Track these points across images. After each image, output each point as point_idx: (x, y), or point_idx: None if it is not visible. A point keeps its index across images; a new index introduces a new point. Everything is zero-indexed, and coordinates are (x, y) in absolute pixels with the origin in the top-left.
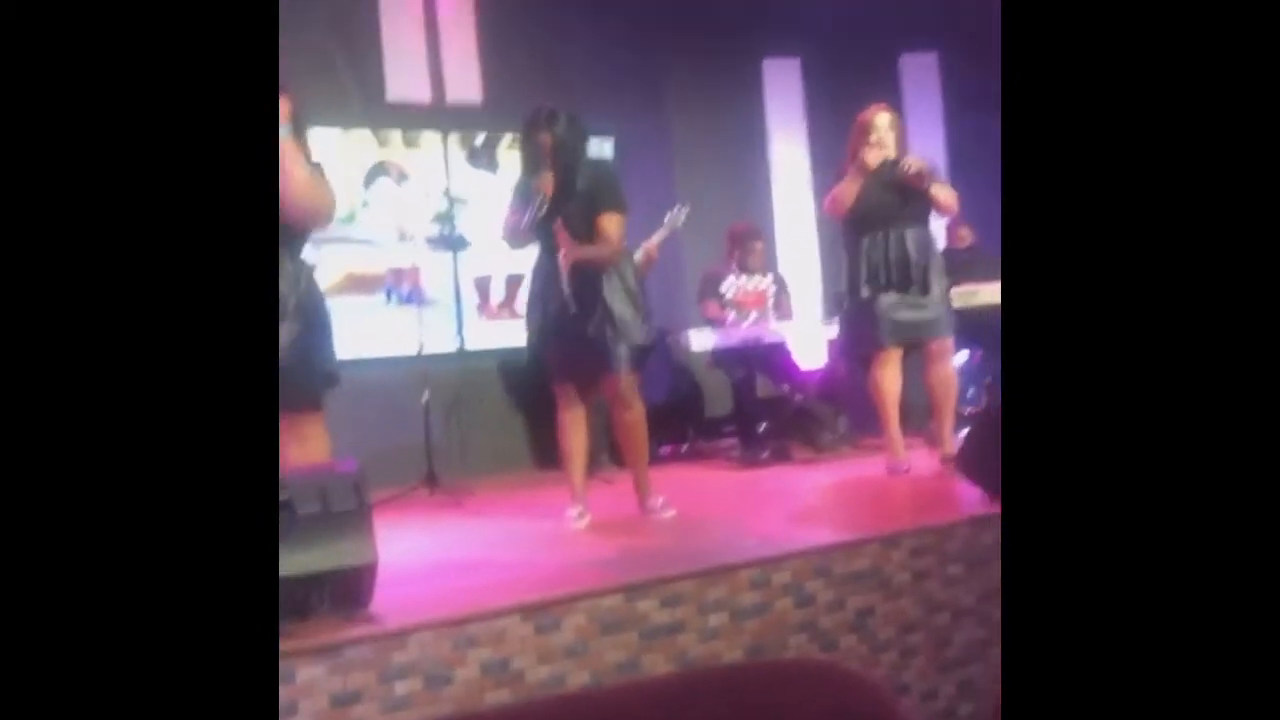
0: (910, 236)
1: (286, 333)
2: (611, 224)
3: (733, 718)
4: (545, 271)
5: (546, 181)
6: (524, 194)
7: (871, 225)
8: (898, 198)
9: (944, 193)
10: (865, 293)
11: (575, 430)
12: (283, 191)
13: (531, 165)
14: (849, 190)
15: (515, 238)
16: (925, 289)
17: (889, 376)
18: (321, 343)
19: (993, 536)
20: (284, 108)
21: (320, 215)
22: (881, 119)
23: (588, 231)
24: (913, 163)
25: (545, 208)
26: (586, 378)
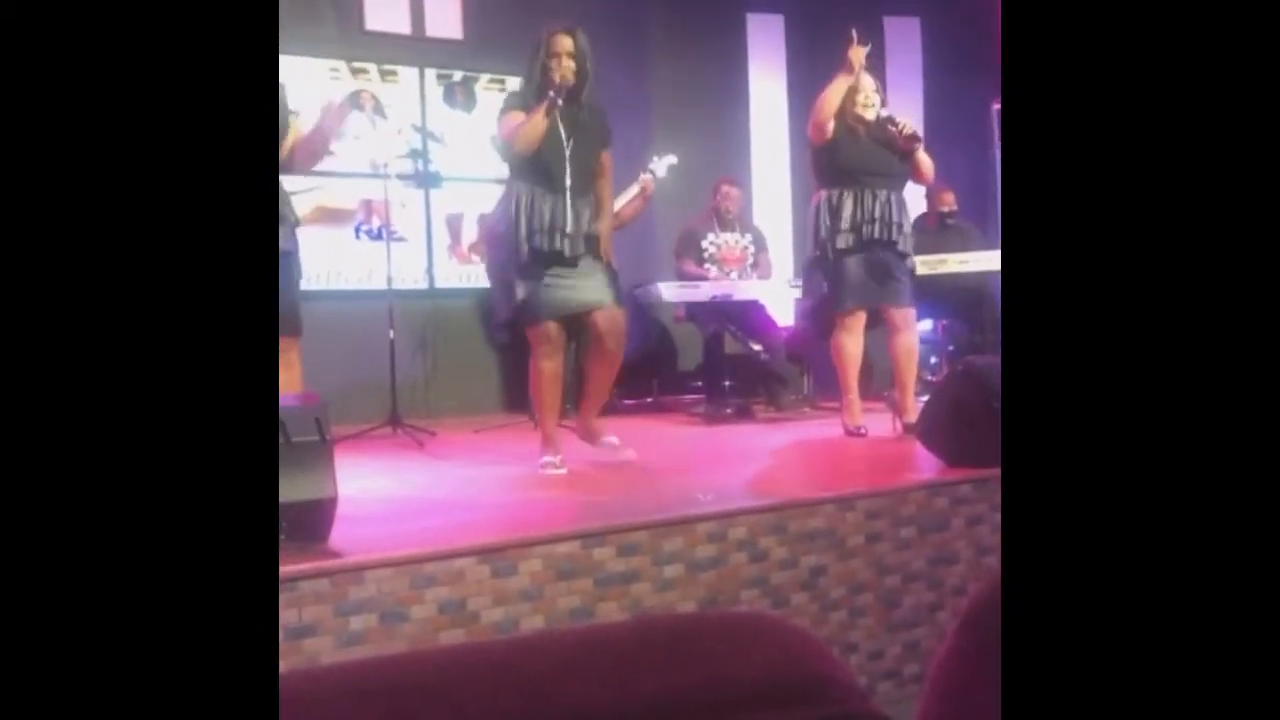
0: (890, 197)
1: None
2: (609, 162)
3: (676, 665)
4: (534, 203)
5: (567, 70)
6: (526, 98)
7: (851, 179)
8: (876, 155)
9: (926, 161)
10: (841, 244)
11: (555, 378)
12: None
13: (542, 70)
14: (836, 91)
15: (520, 139)
16: (897, 255)
17: (851, 340)
18: (296, 267)
19: (946, 503)
20: None
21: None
22: (866, 80)
23: (593, 168)
24: (909, 124)
25: (561, 98)
26: (576, 316)
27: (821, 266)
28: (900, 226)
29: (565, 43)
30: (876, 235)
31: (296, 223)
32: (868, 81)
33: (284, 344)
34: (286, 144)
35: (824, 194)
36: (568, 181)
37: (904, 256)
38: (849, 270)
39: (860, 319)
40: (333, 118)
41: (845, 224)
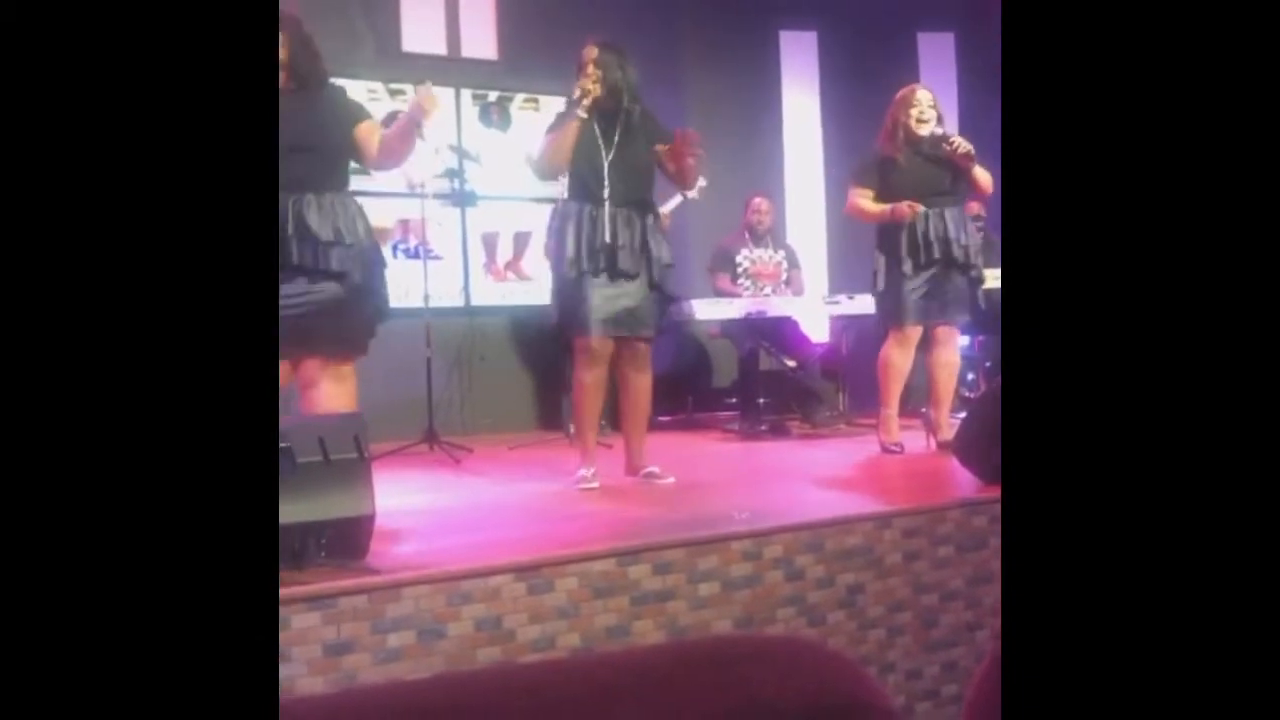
0: (949, 215)
1: (344, 279)
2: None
3: (714, 690)
4: (577, 216)
5: (589, 82)
6: (563, 119)
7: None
8: (936, 173)
9: (984, 175)
10: (907, 269)
11: (597, 390)
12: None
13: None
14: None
15: (544, 157)
16: (968, 268)
17: (902, 356)
18: (375, 284)
19: (984, 521)
20: None
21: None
22: (924, 94)
23: (642, 174)
24: (963, 141)
25: (584, 111)
26: (615, 334)
27: (886, 283)
28: (960, 243)
29: (590, 53)
30: (938, 255)
31: (349, 244)
32: (923, 96)
33: (339, 361)
34: (372, 144)
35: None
36: (605, 193)
37: (969, 272)
38: (912, 289)
39: (914, 335)
40: (417, 109)
41: (905, 246)
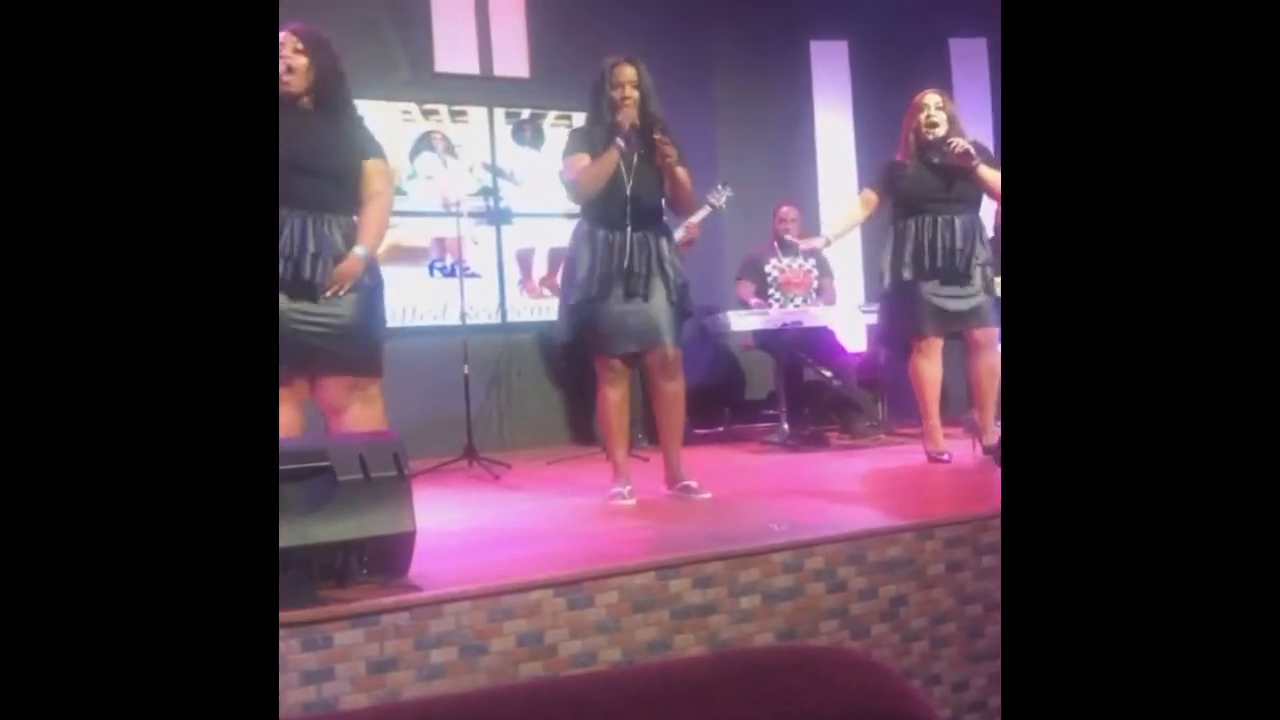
0: (958, 223)
1: (356, 301)
2: (687, 178)
3: (755, 701)
4: (598, 240)
5: (632, 104)
6: (592, 136)
7: (918, 208)
8: (944, 180)
9: (993, 174)
10: (907, 275)
11: (622, 406)
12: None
13: (609, 105)
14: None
15: (585, 184)
16: (967, 278)
17: (930, 365)
18: (380, 308)
19: None
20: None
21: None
22: (931, 98)
23: (660, 193)
24: (959, 142)
25: (627, 131)
26: (637, 349)
27: (895, 292)
28: (970, 249)
29: (629, 73)
30: (950, 260)
31: (380, 283)
32: (931, 99)
33: (366, 384)
34: (373, 184)
35: (895, 219)
36: (628, 219)
37: (975, 278)
38: (924, 297)
39: (936, 344)
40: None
41: (916, 250)
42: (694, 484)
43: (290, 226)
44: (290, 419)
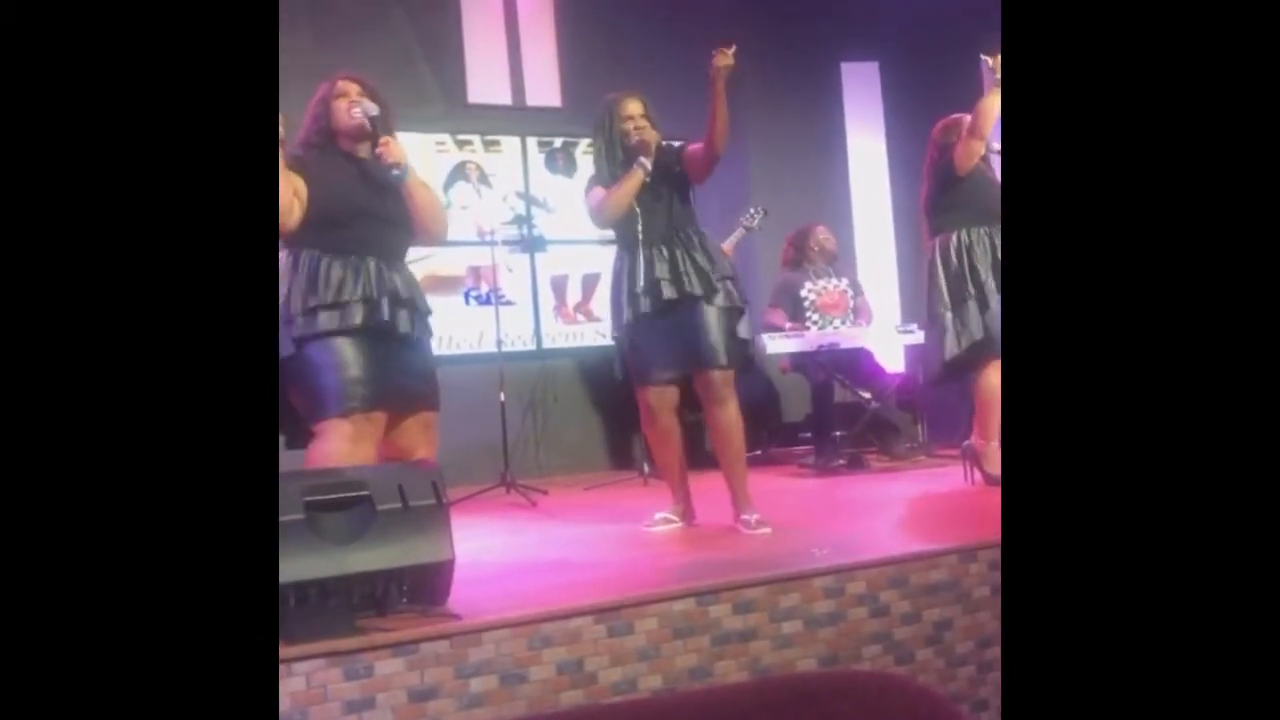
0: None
1: (423, 341)
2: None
3: None
4: (627, 268)
5: (647, 132)
6: (601, 174)
7: (979, 218)
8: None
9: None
10: (973, 289)
11: (666, 439)
12: (416, 213)
13: (621, 137)
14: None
15: (607, 213)
16: (984, 303)
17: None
18: (429, 344)
19: None
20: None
21: (441, 233)
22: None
23: (669, 201)
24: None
25: (649, 160)
26: (679, 375)
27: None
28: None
29: (636, 107)
30: (972, 290)
31: (428, 311)
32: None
33: (434, 419)
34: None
35: (952, 235)
36: (640, 235)
37: (987, 307)
38: (993, 315)
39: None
40: None
41: (984, 268)
42: (752, 519)
43: (364, 271)
44: (365, 457)
